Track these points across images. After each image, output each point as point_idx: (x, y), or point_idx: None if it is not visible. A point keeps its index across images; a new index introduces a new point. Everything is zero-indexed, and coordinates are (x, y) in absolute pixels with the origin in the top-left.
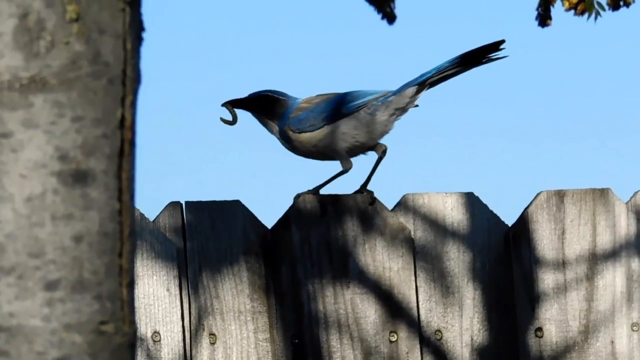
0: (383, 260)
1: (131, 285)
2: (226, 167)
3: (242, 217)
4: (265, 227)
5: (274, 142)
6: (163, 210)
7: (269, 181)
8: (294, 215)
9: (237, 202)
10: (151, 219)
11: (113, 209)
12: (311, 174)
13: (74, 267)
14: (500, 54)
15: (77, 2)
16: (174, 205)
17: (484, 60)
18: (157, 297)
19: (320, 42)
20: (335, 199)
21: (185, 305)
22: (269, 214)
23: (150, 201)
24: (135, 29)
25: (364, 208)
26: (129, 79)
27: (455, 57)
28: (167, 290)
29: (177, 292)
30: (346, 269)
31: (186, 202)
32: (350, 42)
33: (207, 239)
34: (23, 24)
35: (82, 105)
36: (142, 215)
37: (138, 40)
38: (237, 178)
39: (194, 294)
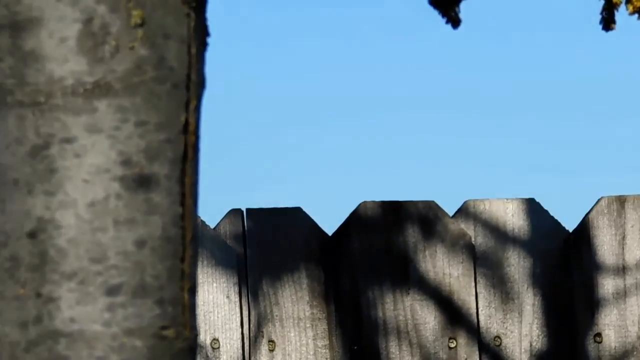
0: (443, 267)
1: (192, 290)
2: (288, 174)
3: (303, 224)
4: (326, 234)
5: (335, 149)
6: (224, 217)
7: (331, 188)
8: (354, 222)
9: (298, 209)
10: (212, 226)
11: (176, 214)
12: (374, 181)
13: (135, 272)
14: None
15: (142, 7)
16: (235, 212)
17: None
18: (216, 304)
19: (384, 46)
20: (397, 205)
21: (245, 312)
22: (330, 221)
23: (211, 208)
24: (200, 33)
25: (424, 215)
26: (193, 84)
27: None
28: (227, 297)
29: (237, 299)
30: (406, 276)
31: (247, 209)
32: (414, 48)
33: (268, 246)
34: (87, 28)
35: (146, 110)
36: (202, 222)
37: (202, 45)
38: (299, 185)
39: (253, 301)
